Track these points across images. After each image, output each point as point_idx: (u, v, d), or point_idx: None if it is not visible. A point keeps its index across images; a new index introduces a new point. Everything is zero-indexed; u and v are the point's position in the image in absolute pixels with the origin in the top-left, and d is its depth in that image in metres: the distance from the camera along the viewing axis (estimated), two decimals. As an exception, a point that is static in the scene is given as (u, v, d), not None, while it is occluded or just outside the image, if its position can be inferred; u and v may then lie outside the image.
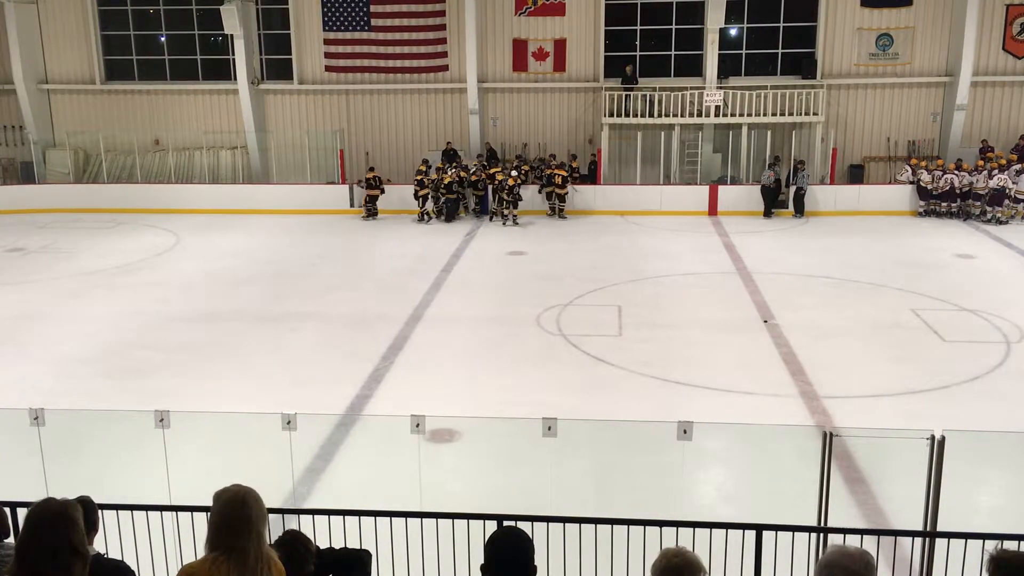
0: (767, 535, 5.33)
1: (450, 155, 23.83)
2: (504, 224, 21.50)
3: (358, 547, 5.09)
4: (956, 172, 21.75)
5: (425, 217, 22.19)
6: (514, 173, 21.84)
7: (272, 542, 4.16)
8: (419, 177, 22.23)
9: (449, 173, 22.07)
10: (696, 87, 23.67)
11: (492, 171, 22.54)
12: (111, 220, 22.62)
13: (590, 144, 24.78)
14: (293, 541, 4.13)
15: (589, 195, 22.98)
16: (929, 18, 23.59)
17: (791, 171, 22.47)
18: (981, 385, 11.16)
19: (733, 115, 23.39)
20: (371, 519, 5.52)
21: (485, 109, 25.04)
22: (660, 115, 23.47)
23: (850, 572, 3.09)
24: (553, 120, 25.09)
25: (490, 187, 22.43)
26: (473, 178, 22.63)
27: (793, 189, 22.38)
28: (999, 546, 3.48)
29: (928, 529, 6.06)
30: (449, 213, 22.20)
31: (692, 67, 24.62)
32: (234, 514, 3.34)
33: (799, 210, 22.31)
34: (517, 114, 25.20)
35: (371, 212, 22.61)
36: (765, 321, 13.77)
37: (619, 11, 24.59)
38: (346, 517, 5.54)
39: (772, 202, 22.33)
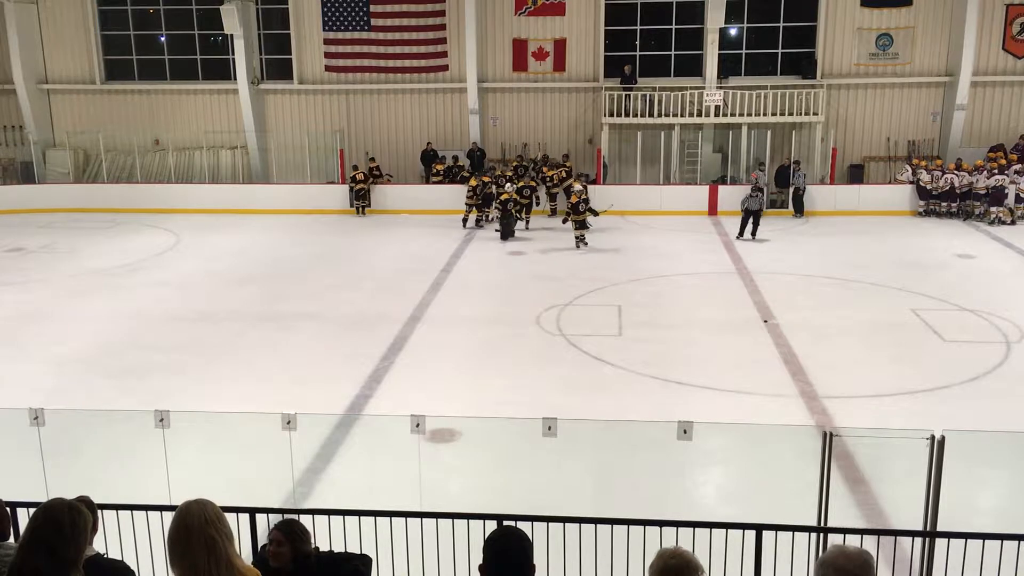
0: (767, 535, 5.33)
1: (478, 156, 24.07)
2: (578, 247, 19.13)
3: (358, 549, 5.10)
4: (956, 172, 21.75)
5: (481, 223, 21.49)
6: (578, 187, 19.88)
7: (272, 527, 4.39)
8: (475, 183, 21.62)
9: (507, 189, 20.47)
10: (696, 87, 23.67)
11: (568, 182, 21.06)
12: (111, 220, 22.62)
13: (590, 144, 24.79)
14: (291, 522, 4.37)
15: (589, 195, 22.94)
16: (929, 18, 23.59)
17: (790, 171, 22.42)
18: (981, 385, 11.16)
19: (733, 115, 23.39)
20: (371, 519, 5.53)
21: (485, 109, 25.05)
22: (660, 115, 23.47)
23: (846, 572, 3.09)
24: (553, 120, 25.10)
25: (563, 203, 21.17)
26: (520, 184, 21.36)
27: (791, 189, 22.37)
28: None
29: (928, 529, 6.06)
30: (507, 230, 20.20)
31: (692, 67, 24.62)
32: (178, 526, 3.29)
33: (798, 210, 22.31)
34: (517, 114, 25.20)
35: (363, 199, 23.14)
36: (765, 321, 13.77)
37: (619, 11, 24.59)
38: (346, 517, 5.54)
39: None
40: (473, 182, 21.65)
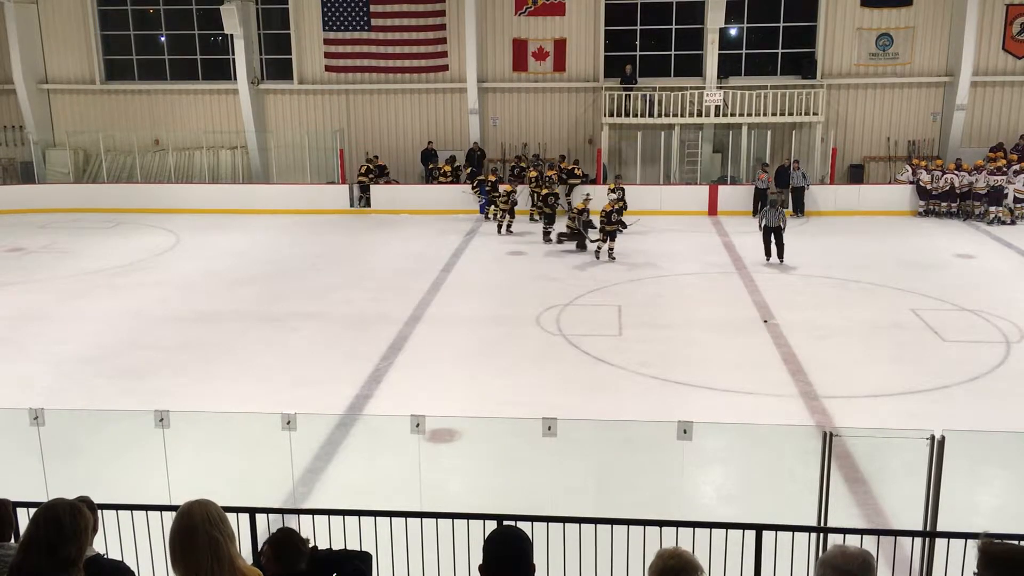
0: (767, 535, 5.33)
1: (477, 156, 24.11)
2: (603, 257, 18.02)
3: (358, 548, 5.10)
4: (956, 172, 21.76)
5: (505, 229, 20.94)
6: (613, 196, 19.23)
7: (266, 539, 4.24)
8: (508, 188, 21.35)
9: (580, 200, 19.78)
10: (696, 87, 23.67)
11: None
12: (111, 220, 22.63)
13: (590, 144, 24.78)
14: (284, 540, 4.17)
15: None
16: (929, 18, 23.60)
17: (788, 171, 22.39)
18: (981, 385, 11.16)
19: (733, 115, 23.39)
20: (371, 519, 5.53)
21: (485, 109, 25.05)
22: (660, 115, 23.48)
23: (846, 572, 3.09)
24: (553, 120, 25.10)
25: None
26: (544, 191, 20.66)
27: (791, 189, 22.36)
28: (984, 537, 3.41)
29: (928, 529, 6.06)
30: (583, 240, 18.94)
31: (692, 67, 24.62)
32: (180, 526, 3.26)
33: (799, 209, 22.30)
34: (517, 114, 25.20)
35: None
36: (765, 321, 13.77)
37: (619, 11, 24.59)
38: (346, 517, 5.54)
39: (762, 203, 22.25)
40: (508, 188, 21.38)
